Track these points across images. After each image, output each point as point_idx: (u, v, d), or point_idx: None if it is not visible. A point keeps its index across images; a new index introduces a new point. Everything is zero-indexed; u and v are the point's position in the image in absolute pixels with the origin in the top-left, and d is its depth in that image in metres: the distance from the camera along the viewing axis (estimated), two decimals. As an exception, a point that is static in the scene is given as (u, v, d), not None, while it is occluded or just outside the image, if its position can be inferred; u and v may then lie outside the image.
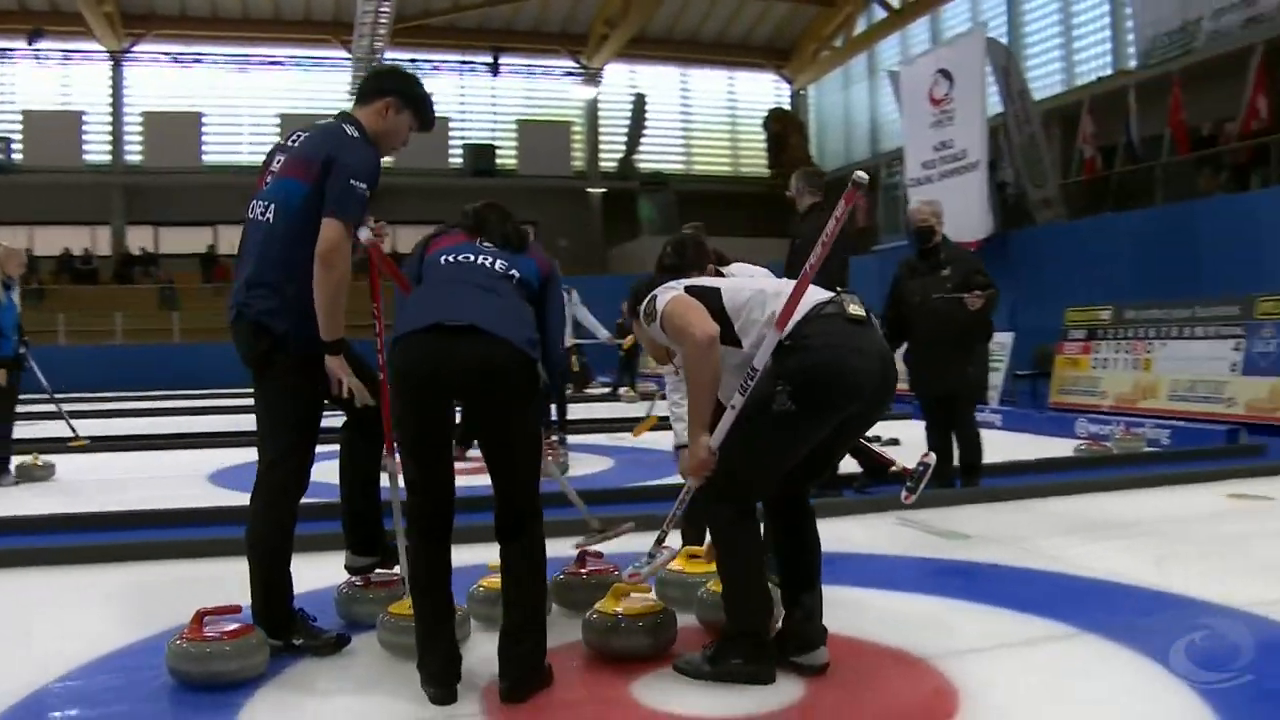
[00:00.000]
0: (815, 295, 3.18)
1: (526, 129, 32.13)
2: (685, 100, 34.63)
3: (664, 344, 3.45)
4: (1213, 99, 16.80)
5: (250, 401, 3.64)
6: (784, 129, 34.05)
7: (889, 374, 3.14)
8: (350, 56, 28.39)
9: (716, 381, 3.14)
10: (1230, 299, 10.07)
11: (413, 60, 29.24)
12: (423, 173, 30.25)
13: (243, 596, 3.59)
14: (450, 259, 3.21)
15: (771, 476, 3.16)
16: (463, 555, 4.57)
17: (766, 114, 34.12)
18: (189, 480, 7.93)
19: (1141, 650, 3.31)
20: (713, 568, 3.93)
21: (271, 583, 3.46)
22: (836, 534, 5.26)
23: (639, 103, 32.46)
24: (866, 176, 3.00)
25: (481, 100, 31.93)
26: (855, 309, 3.14)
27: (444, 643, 3.03)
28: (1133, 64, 20.07)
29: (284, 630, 3.43)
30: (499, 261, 3.20)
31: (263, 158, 3.65)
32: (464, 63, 31.11)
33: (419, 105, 3.71)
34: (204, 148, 29.48)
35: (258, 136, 29.74)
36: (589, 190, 32.82)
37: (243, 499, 6.56)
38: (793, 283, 3.15)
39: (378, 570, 3.91)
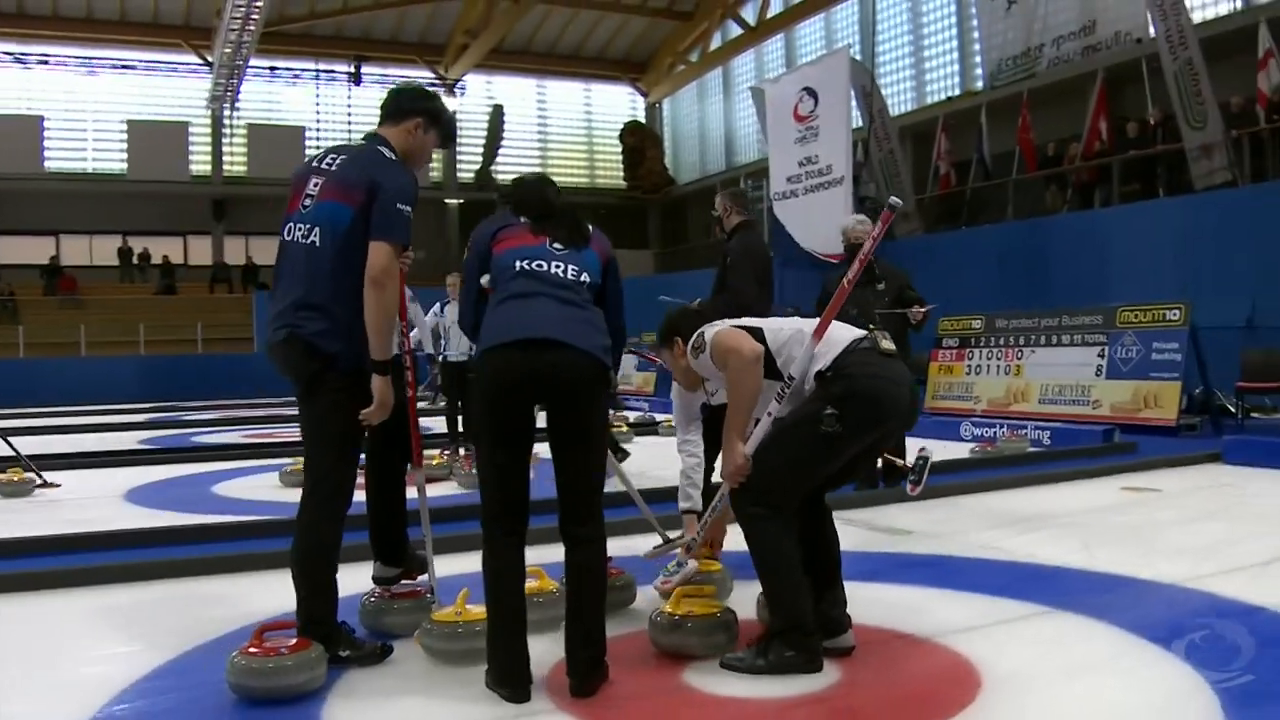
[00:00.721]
0: (851, 332, 3.57)
1: (383, 139, 31.78)
2: (542, 112, 34.91)
3: (707, 375, 3.75)
4: (1057, 121, 18.05)
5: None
6: (640, 141, 34.70)
7: (913, 399, 3.57)
8: (204, 62, 27.77)
9: (757, 395, 3.48)
10: (1094, 309, 10.92)
11: (271, 68, 28.75)
12: (279, 182, 29.60)
13: (252, 611, 3.89)
14: (525, 266, 3.37)
15: (808, 485, 3.52)
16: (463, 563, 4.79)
17: (622, 126, 34.68)
18: (107, 500, 7.79)
19: (1113, 623, 3.80)
20: (717, 567, 4.25)
21: (319, 596, 3.57)
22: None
23: (497, 114, 32.56)
24: (900, 201, 3.40)
25: (338, 109, 31.49)
26: (887, 344, 3.54)
27: (518, 642, 3.24)
28: (980, 85, 21.30)
29: (331, 643, 3.51)
30: (569, 268, 3.39)
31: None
32: (323, 71, 30.64)
33: (444, 125, 3.87)
34: (46, 153, 28.14)
35: (103, 143, 28.66)
36: (447, 201, 32.76)
37: (168, 519, 6.59)
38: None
39: (401, 580, 4.07)
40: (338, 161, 3.67)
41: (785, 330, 3.61)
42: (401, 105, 3.81)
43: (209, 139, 29.61)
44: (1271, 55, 13.73)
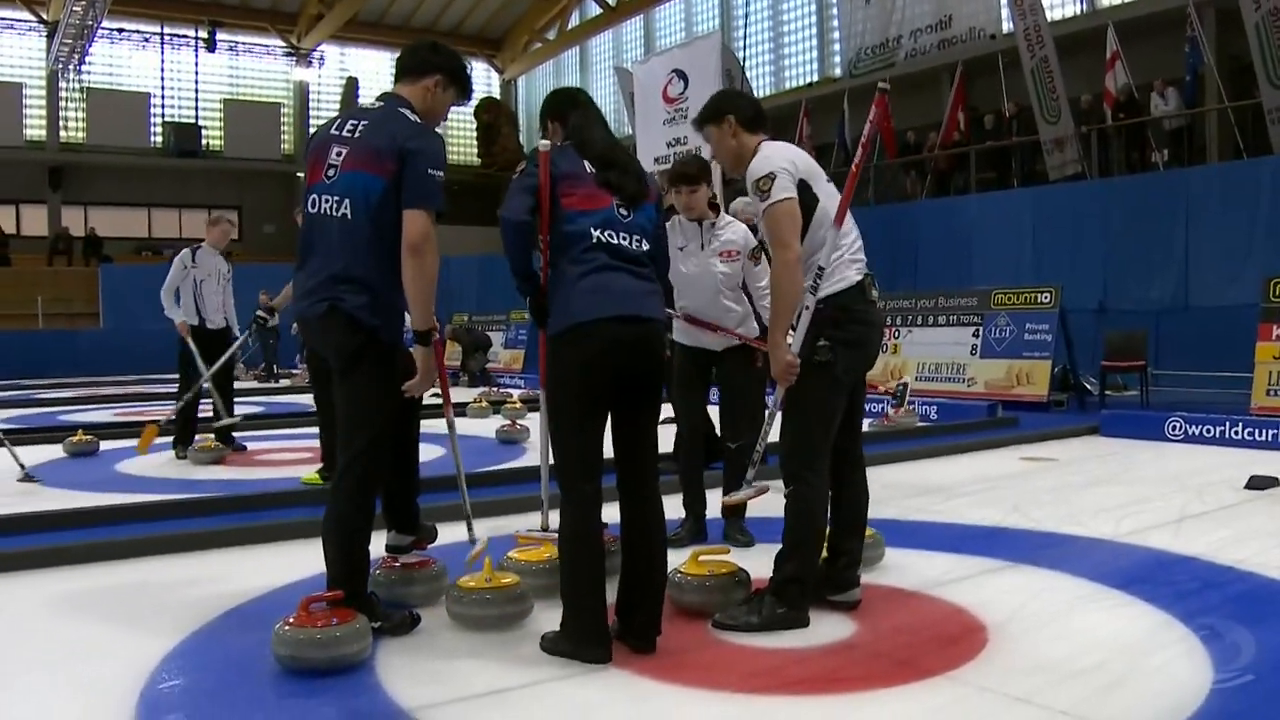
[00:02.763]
0: (857, 273, 3.76)
1: (233, 108, 30.78)
2: (395, 85, 34.27)
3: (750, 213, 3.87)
4: (917, 109, 18.89)
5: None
6: (495, 119, 34.45)
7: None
8: (38, 19, 26.44)
9: (798, 297, 3.64)
10: (969, 291, 11.61)
11: (119, 30, 27.46)
12: (121, 150, 28.44)
13: (238, 589, 4.00)
14: (601, 238, 3.42)
15: (833, 431, 3.72)
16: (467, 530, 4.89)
17: (478, 103, 34.38)
18: (4, 482, 7.45)
19: (1072, 573, 4.29)
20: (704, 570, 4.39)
21: (354, 569, 3.61)
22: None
23: (350, 86, 31.85)
24: (888, 86, 3.74)
25: (185, 77, 30.26)
26: (874, 292, 3.79)
27: (602, 605, 3.35)
28: (838, 73, 22.06)
29: (367, 614, 3.52)
30: (634, 239, 3.47)
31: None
32: (174, 35, 29.42)
33: (463, 81, 3.83)
34: None
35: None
36: (298, 174, 31.90)
37: (88, 499, 6.41)
38: None
39: (413, 549, 4.16)
40: (359, 128, 3.60)
41: (829, 211, 3.73)
42: (419, 61, 3.75)
43: (44, 101, 28.06)
44: (1118, 57, 14.74)
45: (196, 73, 30.16)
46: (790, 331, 3.69)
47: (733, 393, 5.16)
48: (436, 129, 3.72)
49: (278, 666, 3.29)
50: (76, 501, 6.36)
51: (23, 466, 7.25)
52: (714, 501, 5.04)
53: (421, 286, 3.51)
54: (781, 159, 3.72)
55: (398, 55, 3.87)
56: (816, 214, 3.72)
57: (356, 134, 3.59)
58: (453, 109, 3.90)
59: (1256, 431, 8.15)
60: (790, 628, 3.60)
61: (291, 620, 3.33)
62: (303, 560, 4.48)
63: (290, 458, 8.52)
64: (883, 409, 10.16)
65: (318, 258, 3.61)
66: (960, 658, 3.26)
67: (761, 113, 3.94)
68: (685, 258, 5.09)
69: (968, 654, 3.30)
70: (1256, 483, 6.19)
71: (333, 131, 3.67)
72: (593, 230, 3.42)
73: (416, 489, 4.15)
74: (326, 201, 3.57)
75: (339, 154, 3.58)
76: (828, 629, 3.60)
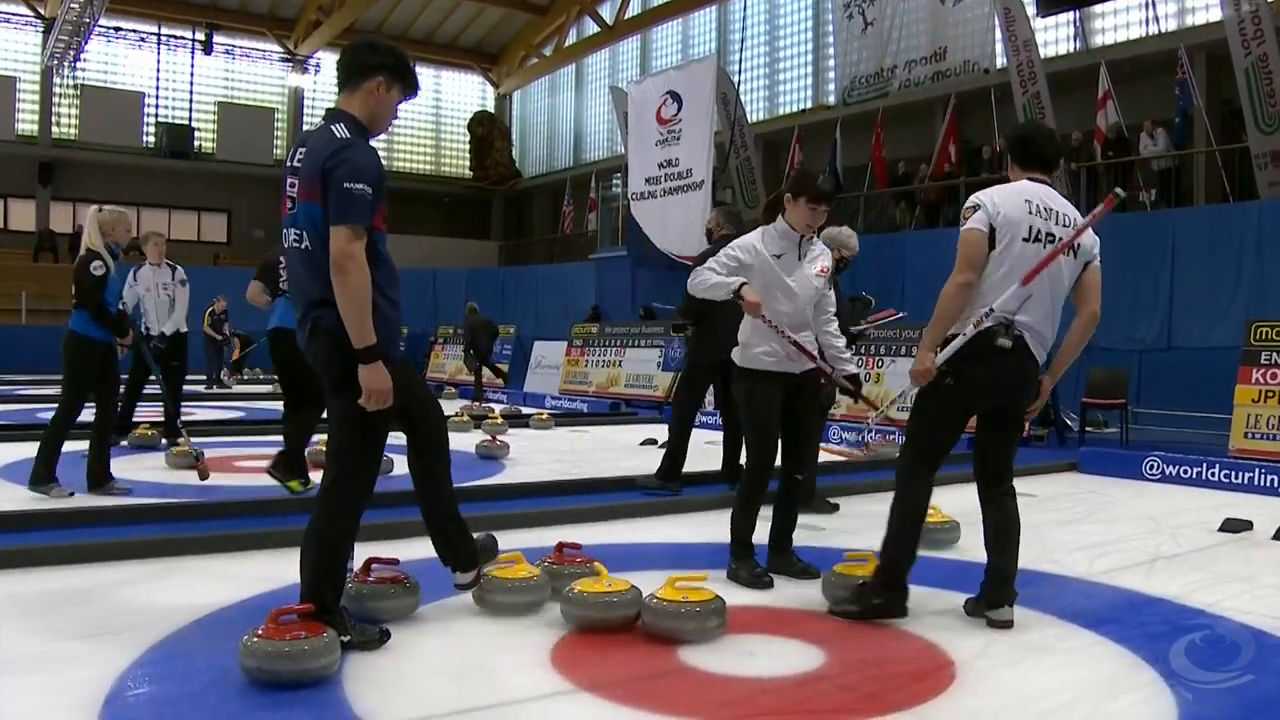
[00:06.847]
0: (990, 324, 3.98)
1: (227, 112, 30.77)
2: (390, 94, 34.25)
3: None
4: (908, 140, 18.99)
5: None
6: (488, 133, 34.56)
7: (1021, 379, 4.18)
8: (35, 14, 26.40)
9: (954, 316, 3.98)
10: (955, 323, 11.61)
11: (116, 29, 27.43)
12: (112, 149, 28.38)
13: (205, 601, 3.99)
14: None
15: (936, 444, 4.19)
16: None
17: (471, 116, 34.49)
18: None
19: (1044, 611, 4.32)
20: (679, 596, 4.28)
21: (328, 583, 3.62)
22: (707, 530, 5.96)
23: (345, 93, 31.89)
24: (1124, 192, 3.85)
25: (180, 78, 30.24)
26: (1002, 341, 3.98)
27: None
28: (831, 100, 22.19)
29: (335, 628, 3.50)
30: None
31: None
32: (170, 36, 29.40)
33: (407, 76, 3.72)
34: None
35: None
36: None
37: (45, 500, 6.33)
38: None
39: (374, 565, 4.10)
40: (301, 156, 3.64)
41: (1009, 260, 3.95)
42: (357, 65, 3.66)
43: (38, 97, 28.01)
44: (1110, 96, 14.86)
45: (192, 74, 30.15)
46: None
47: (808, 420, 5.10)
48: (374, 136, 3.70)
49: (245, 678, 3.26)
50: (44, 503, 6.31)
51: None
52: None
53: (348, 305, 3.47)
54: (988, 198, 4.00)
55: (337, 60, 3.81)
56: (993, 258, 3.95)
57: (300, 162, 3.63)
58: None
59: (1233, 473, 8.20)
60: (886, 617, 4.01)
61: (260, 632, 3.32)
62: (273, 571, 4.48)
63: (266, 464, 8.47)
64: (863, 439, 10.18)
65: (297, 288, 3.72)
66: (928, 693, 3.27)
67: (1033, 151, 4.15)
68: (784, 265, 4.82)
69: (935, 689, 3.30)
70: (1231, 526, 6.22)
71: (288, 163, 3.77)
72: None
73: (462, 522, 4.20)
74: (292, 235, 3.66)
75: (292, 185, 3.68)
76: (797, 659, 3.61)
